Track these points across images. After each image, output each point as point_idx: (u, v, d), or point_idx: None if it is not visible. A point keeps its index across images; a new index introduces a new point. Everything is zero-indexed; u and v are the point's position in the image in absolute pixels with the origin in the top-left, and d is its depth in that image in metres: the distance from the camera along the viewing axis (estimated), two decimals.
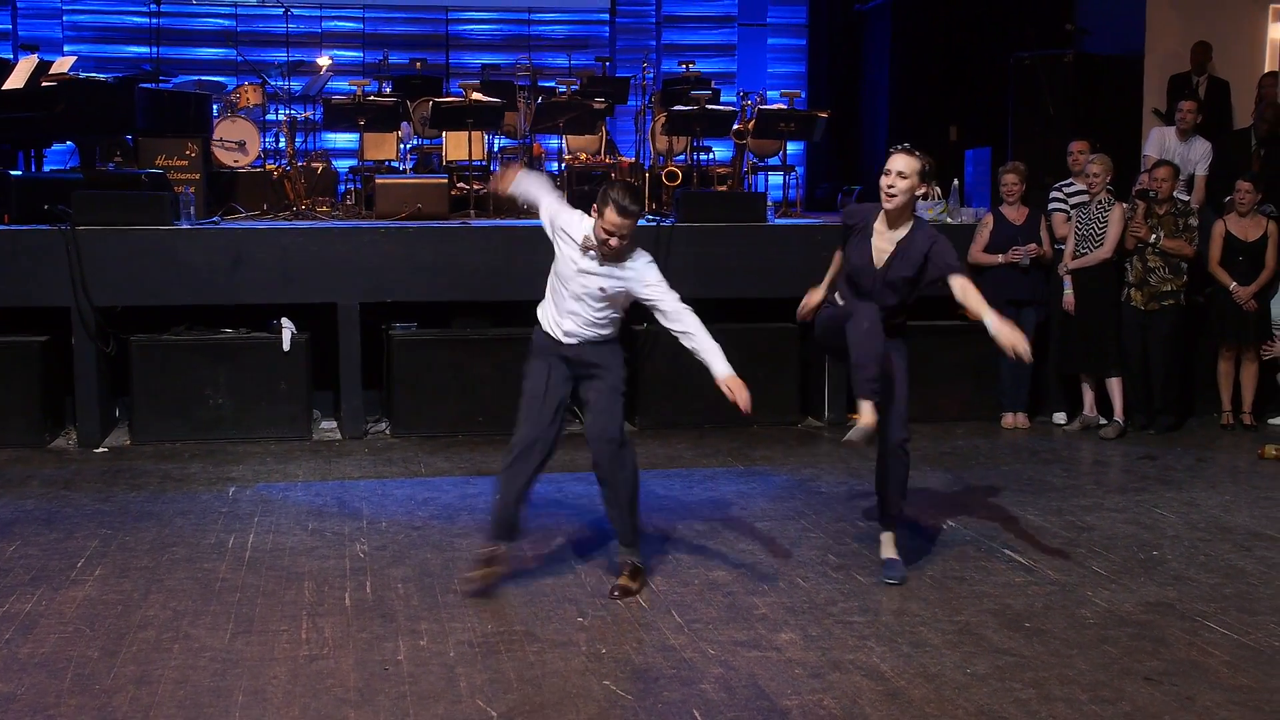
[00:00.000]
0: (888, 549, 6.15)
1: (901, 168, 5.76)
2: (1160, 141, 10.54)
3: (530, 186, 6.09)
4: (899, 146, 5.87)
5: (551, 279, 5.91)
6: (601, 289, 5.74)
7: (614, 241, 5.62)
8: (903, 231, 5.87)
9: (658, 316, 5.79)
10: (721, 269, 9.56)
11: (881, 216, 5.90)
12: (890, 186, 5.77)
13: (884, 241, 5.88)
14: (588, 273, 5.73)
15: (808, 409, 9.91)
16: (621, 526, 5.96)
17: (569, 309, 5.79)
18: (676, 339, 5.79)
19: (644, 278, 5.75)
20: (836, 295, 6.10)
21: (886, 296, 5.89)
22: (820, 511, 7.23)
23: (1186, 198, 9.89)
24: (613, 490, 5.88)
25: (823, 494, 7.65)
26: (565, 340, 5.82)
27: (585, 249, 5.73)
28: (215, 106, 12.59)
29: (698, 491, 7.72)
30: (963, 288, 5.76)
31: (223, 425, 9.07)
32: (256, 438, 9.07)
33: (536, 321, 5.95)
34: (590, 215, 5.73)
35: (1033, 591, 5.89)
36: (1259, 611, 5.63)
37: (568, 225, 5.81)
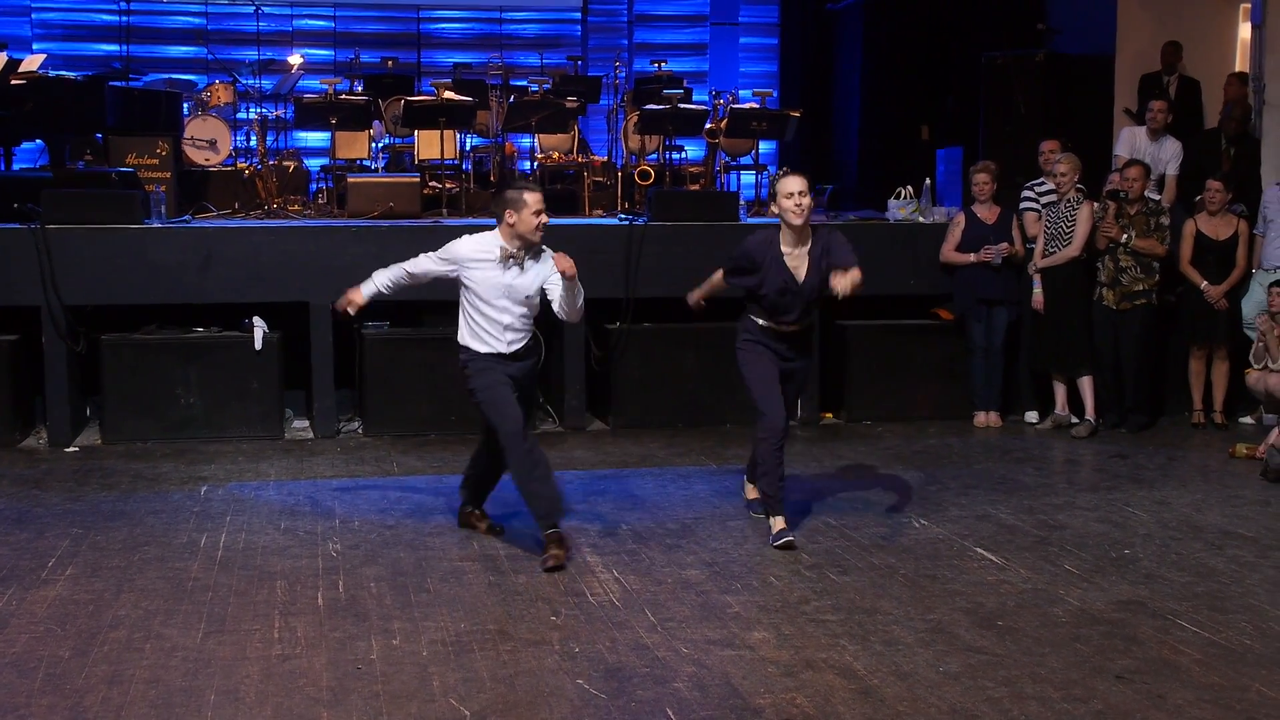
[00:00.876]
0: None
1: (800, 187, 6.29)
2: (1131, 141, 10.57)
3: (383, 275, 6.46)
4: (784, 170, 6.44)
5: (470, 311, 6.26)
6: (528, 296, 6.21)
7: (544, 219, 6.09)
8: (811, 243, 6.39)
9: (550, 293, 6.27)
10: (694, 268, 9.45)
11: (787, 238, 6.38)
12: (797, 205, 6.26)
13: (798, 260, 6.37)
14: (513, 285, 6.17)
15: None
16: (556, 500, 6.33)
17: (506, 323, 6.21)
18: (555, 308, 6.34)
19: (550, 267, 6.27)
20: (755, 318, 6.53)
21: (812, 305, 6.51)
22: (792, 509, 7.22)
23: (1157, 197, 9.92)
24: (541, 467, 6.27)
25: (794, 492, 7.65)
26: (509, 350, 6.26)
27: (505, 260, 6.13)
28: (186, 105, 12.52)
29: (671, 490, 7.72)
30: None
31: (194, 424, 9.03)
32: (228, 437, 9.03)
33: (464, 347, 6.30)
34: (482, 232, 6.21)
35: (1005, 590, 5.91)
36: (1230, 610, 5.66)
37: (472, 252, 6.18)
